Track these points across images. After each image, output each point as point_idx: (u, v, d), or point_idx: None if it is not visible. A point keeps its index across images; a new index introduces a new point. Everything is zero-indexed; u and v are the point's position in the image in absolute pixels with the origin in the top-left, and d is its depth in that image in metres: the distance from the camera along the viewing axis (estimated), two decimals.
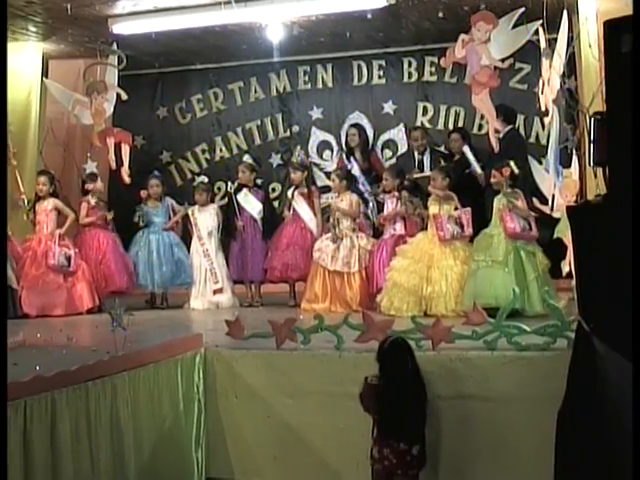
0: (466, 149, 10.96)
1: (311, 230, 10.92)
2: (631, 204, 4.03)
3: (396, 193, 10.24)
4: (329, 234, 10.39)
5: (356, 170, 11.68)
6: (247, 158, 11.89)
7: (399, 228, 10.18)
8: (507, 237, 8.97)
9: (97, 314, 10.39)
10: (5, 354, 5.09)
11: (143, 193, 11.45)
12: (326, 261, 10.23)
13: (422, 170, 11.22)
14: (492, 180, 9.33)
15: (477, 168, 10.62)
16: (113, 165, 11.83)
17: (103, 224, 11.22)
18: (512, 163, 9.16)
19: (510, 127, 10.73)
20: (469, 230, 9.46)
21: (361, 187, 11.33)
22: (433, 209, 9.67)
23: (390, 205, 10.27)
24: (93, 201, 11.18)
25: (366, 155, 12.10)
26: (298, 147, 12.72)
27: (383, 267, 9.90)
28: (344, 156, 12.27)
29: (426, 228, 9.77)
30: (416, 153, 11.70)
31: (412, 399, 6.14)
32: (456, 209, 9.56)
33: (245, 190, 11.31)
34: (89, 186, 11.21)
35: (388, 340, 6.41)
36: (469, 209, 9.52)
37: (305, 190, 11.05)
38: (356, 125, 12.51)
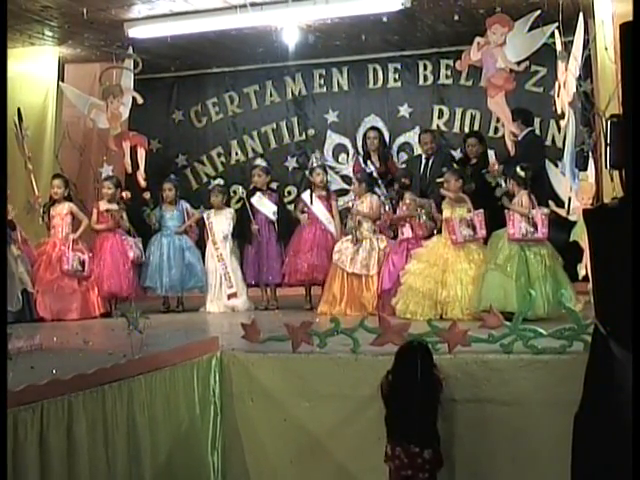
0: (490, 153, 11.02)
1: (331, 232, 10.93)
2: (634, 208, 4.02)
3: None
4: (349, 236, 10.41)
5: (373, 173, 11.70)
6: (261, 161, 11.92)
7: (406, 232, 10.18)
8: (510, 240, 9.03)
9: (112, 318, 10.42)
10: (5, 356, 5.10)
11: (146, 195, 11.48)
12: (345, 263, 10.23)
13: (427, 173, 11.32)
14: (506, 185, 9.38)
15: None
16: (129, 169, 11.86)
17: (114, 228, 11.18)
18: (518, 168, 9.18)
19: (529, 130, 10.73)
20: (482, 232, 9.45)
21: (378, 190, 11.33)
22: (446, 212, 9.67)
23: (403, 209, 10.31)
24: (103, 207, 11.17)
25: (384, 158, 12.10)
26: (317, 150, 12.68)
27: (388, 269, 9.97)
28: (361, 159, 12.27)
29: (440, 231, 9.79)
30: (424, 156, 11.71)
31: (420, 402, 6.13)
32: (469, 211, 9.56)
33: (259, 193, 11.32)
34: (103, 191, 11.24)
35: (404, 343, 6.44)
36: (481, 211, 9.51)
37: (323, 193, 11.06)
38: (376, 128, 12.52)
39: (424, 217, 10.06)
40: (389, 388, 6.26)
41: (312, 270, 10.81)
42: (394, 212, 10.43)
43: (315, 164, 11.40)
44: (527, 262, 8.90)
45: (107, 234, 11.12)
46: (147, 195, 11.45)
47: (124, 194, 11.39)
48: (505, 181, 9.50)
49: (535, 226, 9.01)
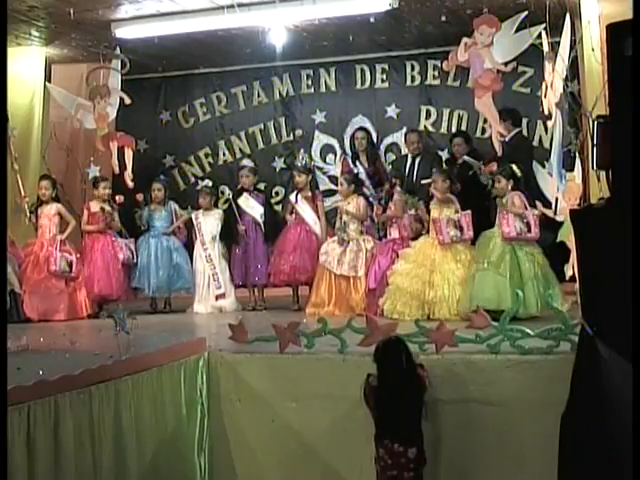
0: (467, 158, 11.01)
1: (316, 233, 10.91)
2: (634, 207, 4.02)
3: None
4: (336, 237, 10.39)
5: (362, 174, 11.69)
6: (248, 162, 11.91)
7: (393, 232, 10.19)
8: (503, 240, 9.02)
9: (99, 319, 10.39)
10: (5, 356, 5.09)
11: (139, 196, 11.45)
12: (332, 264, 10.20)
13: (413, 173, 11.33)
14: (496, 185, 9.35)
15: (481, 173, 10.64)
16: (116, 169, 11.83)
17: (104, 229, 11.14)
18: (514, 166, 9.20)
19: (517, 130, 10.75)
20: (469, 233, 9.46)
21: (366, 191, 11.32)
22: (434, 213, 9.68)
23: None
24: (95, 208, 11.11)
25: (372, 159, 12.08)
26: (302, 150, 12.67)
27: (374, 270, 9.96)
28: (349, 160, 12.25)
29: (427, 231, 9.79)
30: (410, 156, 11.70)
31: (406, 400, 6.14)
32: (457, 212, 9.56)
33: (246, 194, 11.31)
34: (99, 191, 11.19)
35: (383, 340, 6.42)
36: (469, 212, 9.52)
37: (309, 194, 11.04)
38: (364, 129, 12.49)
39: (412, 208, 10.04)
40: (371, 388, 6.25)
41: (294, 271, 10.79)
42: (384, 212, 10.43)
43: (299, 164, 11.43)
44: (519, 261, 8.91)
45: (97, 235, 11.08)
46: (140, 197, 11.42)
47: (117, 197, 11.35)
48: (493, 181, 9.50)
49: (528, 226, 9.03)
